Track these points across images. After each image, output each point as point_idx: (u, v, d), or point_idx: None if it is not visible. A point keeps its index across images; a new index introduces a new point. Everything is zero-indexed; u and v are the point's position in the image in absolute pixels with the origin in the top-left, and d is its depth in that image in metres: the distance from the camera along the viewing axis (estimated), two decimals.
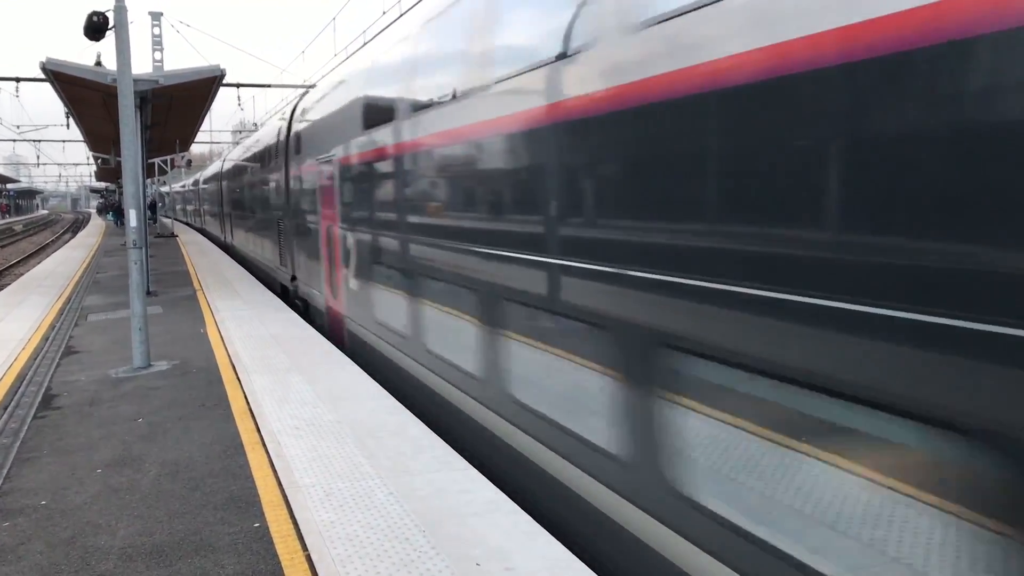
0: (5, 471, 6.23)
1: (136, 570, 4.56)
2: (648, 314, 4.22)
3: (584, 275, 4.78)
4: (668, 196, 4.03)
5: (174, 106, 17.51)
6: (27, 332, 12.41)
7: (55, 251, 35.24)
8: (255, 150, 20.69)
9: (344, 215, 10.61)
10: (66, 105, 17.83)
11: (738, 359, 3.58)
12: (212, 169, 37.24)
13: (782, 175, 3.32)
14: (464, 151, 6.61)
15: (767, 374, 3.43)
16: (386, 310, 9.08)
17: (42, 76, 13.71)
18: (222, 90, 16.97)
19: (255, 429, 7.05)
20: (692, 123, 3.83)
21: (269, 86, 23.17)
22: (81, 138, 26.77)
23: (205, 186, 40.09)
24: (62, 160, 70.45)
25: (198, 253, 27.67)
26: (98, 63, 14.16)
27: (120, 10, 9.58)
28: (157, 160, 32.53)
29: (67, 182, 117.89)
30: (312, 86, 16.35)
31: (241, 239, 25.03)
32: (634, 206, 4.31)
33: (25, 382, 9.12)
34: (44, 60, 12.72)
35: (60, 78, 13.65)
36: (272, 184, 17.15)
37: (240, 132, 46.26)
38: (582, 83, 4.72)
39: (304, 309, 14.35)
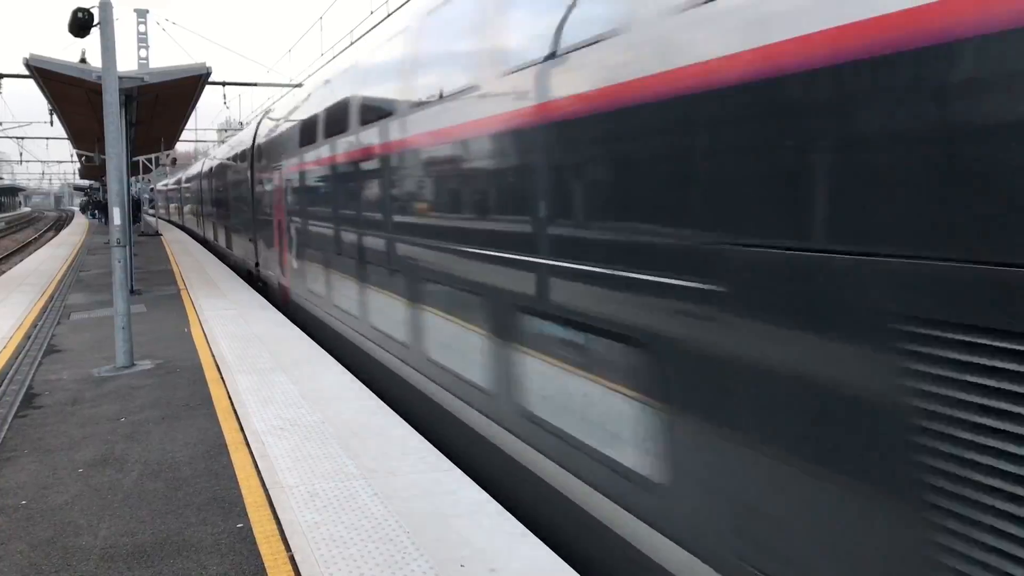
0: None
1: (118, 570, 4.53)
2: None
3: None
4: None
5: (159, 104, 17.42)
6: (8, 330, 12.30)
7: (38, 249, 34.96)
8: (227, 156, 24.01)
9: (287, 212, 13.88)
10: (50, 102, 17.69)
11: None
12: (192, 171, 40.96)
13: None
14: (340, 170, 10.32)
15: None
16: (314, 282, 12.34)
17: (26, 72, 13.59)
18: (208, 88, 16.92)
19: (239, 429, 7.02)
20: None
21: (255, 85, 23.09)
22: (65, 135, 26.57)
23: (187, 184, 43.72)
24: (45, 157, 69.96)
25: (182, 252, 27.52)
26: (83, 60, 14.08)
27: (106, 7, 9.51)
28: (142, 158, 32.34)
29: (50, 180, 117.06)
30: (298, 85, 16.42)
31: (213, 233, 29.51)
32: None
33: (6, 381, 9.04)
34: (28, 56, 12.61)
35: (44, 75, 13.55)
36: (241, 187, 20.08)
37: (225, 131, 46.10)
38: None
39: (264, 288, 17.07)
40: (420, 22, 7.51)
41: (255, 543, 4.80)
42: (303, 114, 12.75)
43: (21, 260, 29.30)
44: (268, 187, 15.74)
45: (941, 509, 2.56)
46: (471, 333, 6.31)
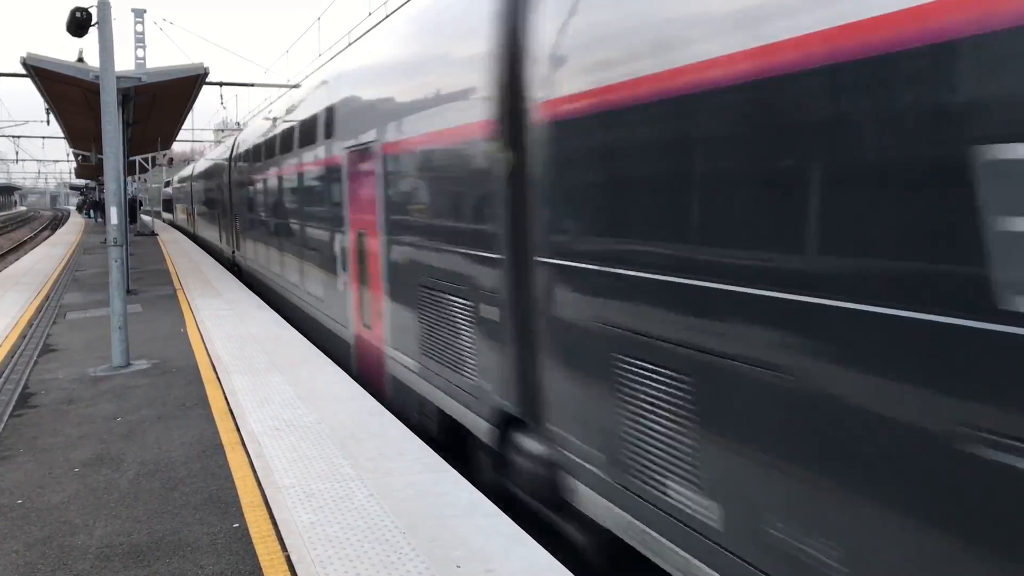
0: None
1: (114, 570, 4.53)
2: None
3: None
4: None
5: (156, 104, 17.44)
6: (4, 329, 12.28)
7: (34, 248, 34.88)
8: (212, 164, 28.16)
9: (244, 208, 19.16)
10: (47, 101, 17.70)
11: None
12: (184, 173, 45.32)
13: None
14: (259, 184, 16.03)
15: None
16: (254, 253, 18.02)
17: (23, 72, 13.59)
18: (205, 88, 16.93)
19: (235, 429, 7.02)
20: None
21: (252, 85, 23.12)
22: (61, 134, 26.53)
23: (179, 185, 47.63)
24: (42, 157, 69.84)
25: (179, 252, 27.49)
26: (80, 59, 14.07)
27: (103, 6, 9.51)
28: (139, 158, 32.32)
29: (46, 179, 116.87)
30: (296, 86, 16.44)
31: (200, 227, 34.70)
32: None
33: (1, 380, 9.03)
34: (25, 56, 12.61)
35: (41, 74, 13.55)
36: (223, 190, 23.94)
37: (222, 131, 46.10)
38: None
39: (239, 271, 20.92)
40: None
41: (251, 543, 4.80)
42: (252, 140, 17.69)
43: (17, 259, 29.25)
44: (241, 190, 20.24)
45: None
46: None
